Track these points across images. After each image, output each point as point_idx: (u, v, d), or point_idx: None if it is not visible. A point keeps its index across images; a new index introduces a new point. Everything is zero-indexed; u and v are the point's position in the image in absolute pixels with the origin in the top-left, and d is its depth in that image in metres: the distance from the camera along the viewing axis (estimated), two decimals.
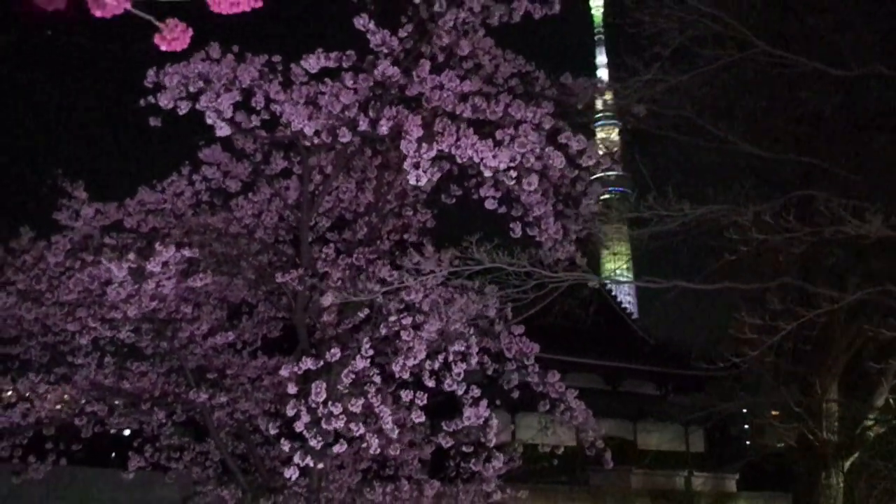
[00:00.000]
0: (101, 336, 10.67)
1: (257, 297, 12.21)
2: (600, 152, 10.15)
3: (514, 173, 8.13)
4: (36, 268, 10.34)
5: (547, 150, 8.27)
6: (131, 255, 9.12)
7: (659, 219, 9.04)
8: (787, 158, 10.64)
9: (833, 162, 10.33)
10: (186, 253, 9.46)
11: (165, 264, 9.33)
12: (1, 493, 14.71)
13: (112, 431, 12.02)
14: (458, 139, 7.94)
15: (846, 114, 11.75)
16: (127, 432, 13.00)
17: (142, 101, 8.68)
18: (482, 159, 7.83)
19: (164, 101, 8.50)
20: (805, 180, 11.09)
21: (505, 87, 9.88)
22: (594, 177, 10.38)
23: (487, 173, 8.12)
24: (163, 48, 2.87)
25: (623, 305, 37.82)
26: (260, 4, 2.72)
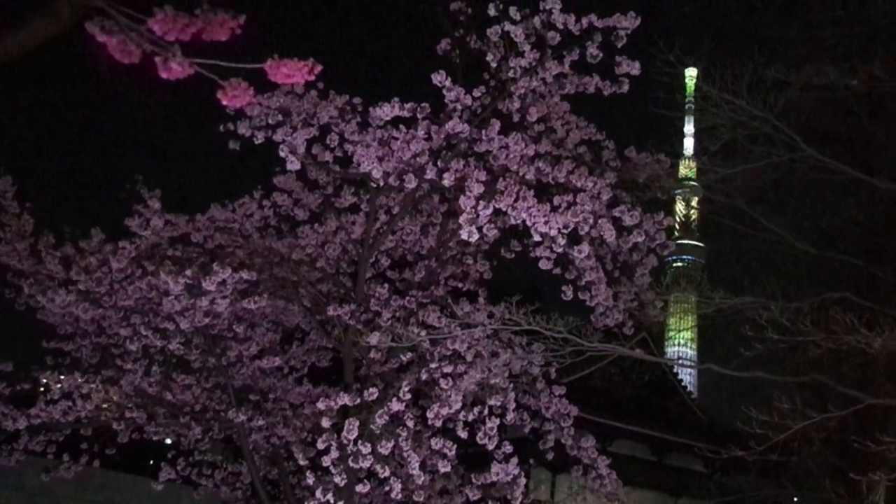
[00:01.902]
0: (151, 344, 11.00)
1: (311, 325, 12.41)
2: (664, 223, 10.16)
3: (562, 240, 8.24)
4: (99, 271, 10.66)
5: (600, 221, 8.37)
6: (189, 272, 9.44)
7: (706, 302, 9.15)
8: (832, 256, 10.62)
9: (876, 267, 10.28)
10: (244, 275, 9.75)
11: (222, 284, 9.64)
12: (30, 488, 15.05)
13: (151, 439, 12.27)
14: (516, 199, 8.08)
15: (890, 222, 11.71)
16: (168, 441, 13.26)
17: (221, 128, 9.07)
18: (534, 223, 7.97)
19: (243, 130, 8.87)
20: (850, 281, 11.06)
21: (573, 154, 10.02)
22: (666, 248, 10.43)
23: (536, 237, 8.26)
24: (224, 103, 3.08)
25: (679, 378, 37.06)
26: (313, 78, 2.91)
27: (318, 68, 3.04)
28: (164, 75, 2.65)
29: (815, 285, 11.20)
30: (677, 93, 9.67)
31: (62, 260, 10.98)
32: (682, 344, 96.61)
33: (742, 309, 9.78)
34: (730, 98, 9.61)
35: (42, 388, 11.98)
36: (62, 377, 11.62)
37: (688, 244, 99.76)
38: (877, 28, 10.83)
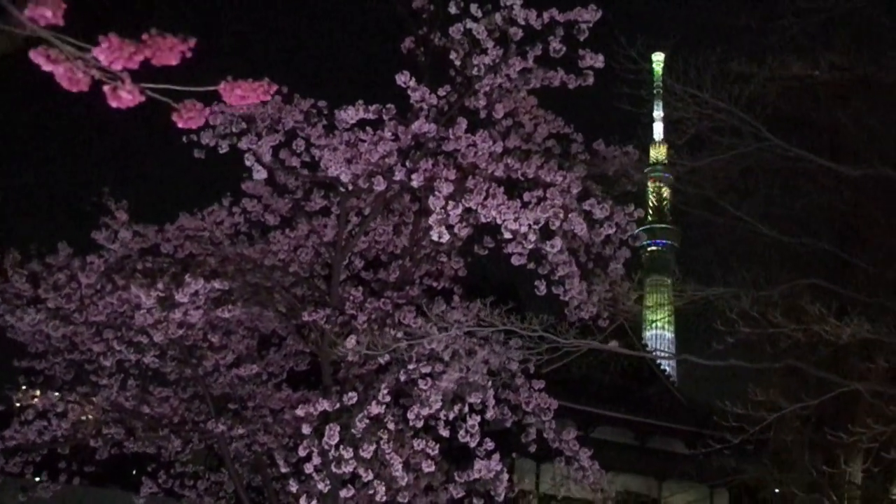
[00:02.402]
0: (125, 358, 10.87)
1: (287, 330, 12.35)
2: (635, 214, 10.19)
3: (533, 236, 8.23)
4: (68, 287, 10.52)
5: (571, 215, 8.37)
6: (160, 284, 9.33)
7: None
8: (802, 242, 10.71)
9: (847, 251, 10.39)
10: (216, 285, 9.65)
11: (195, 294, 9.54)
12: None
13: (132, 452, 12.14)
14: (486, 197, 8.06)
15: (859, 207, 11.82)
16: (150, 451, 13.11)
17: (184, 138, 8.95)
18: (504, 221, 7.95)
19: (206, 139, 8.75)
20: (822, 266, 11.16)
21: (541, 148, 10.01)
22: (641, 228, 10.53)
23: (507, 235, 8.25)
24: (179, 125, 3.02)
25: (658, 362, 37.33)
26: (268, 98, 2.85)
27: (274, 88, 2.99)
28: (113, 104, 2.58)
29: (789, 271, 11.30)
30: (642, 87, 9.68)
31: (30, 277, 10.78)
32: (659, 327, 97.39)
33: (714, 300, 9.83)
34: (694, 92, 9.64)
35: (18, 406, 11.80)
36: (37, 396, 11.46)
37: (661, 228, 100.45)
38: (835, 17, 10.91)
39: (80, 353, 11.27)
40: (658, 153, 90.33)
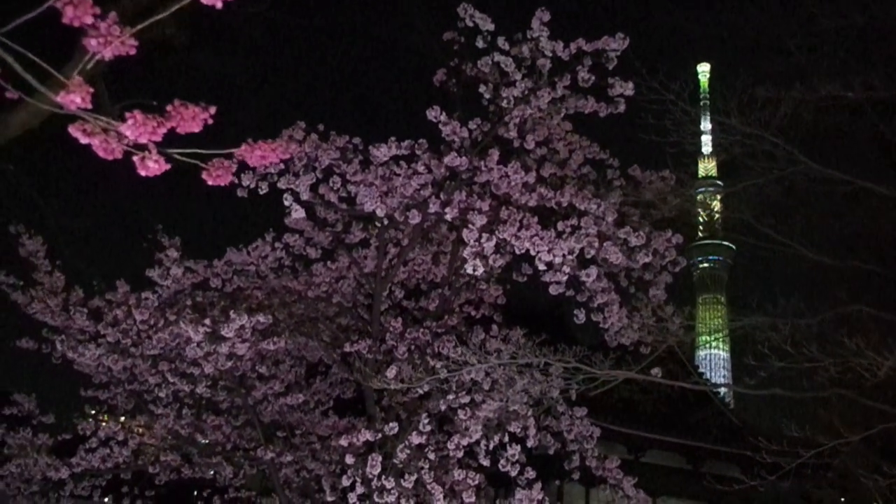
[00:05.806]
0: (179, 389, 11.30)
1: (332, 359, 12.60)
2: (673, 241, 10.16)
3: (567, 268, 8.31)
4: (125, 322, 10.99)
5: (606, 244, 8.43)
6: (207, 320, 9.66)
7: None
8: (849, 265, 10.48)
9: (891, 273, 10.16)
10: (260, 318, 9.94)
11: (241, 328, 9.84)
12: None
13: (188, 477, 12.56)
14: (520, 228, 8.18)
15: None
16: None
17: None
18: (538, 252, 8.05)
19: (247, 182, 9.05)
20: (871, 289, 10.89)
21: (577, 174, 10.09)
22: (692, 244, 10.52)
23: (542, 266, 8.33)
24: (209, 183, 3.26)
25: (713, 385, 36.71)
26: (288, 156, 3.08)
27: (293, 147, 3.21)
28: (142, 173, 2.82)
29: (836, 296, 11.00)
30: (665, 117, 9.55)
31: (91, 313, 11.29)
32: (713, 346, 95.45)
33: (752, 331, 9.67)
34: (721, 119, 9.56)
35: (83, 435, 12.35)
36: (104, 422, 12.02)
37: (713, 244, 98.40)
38: (873, 34, 10.64)
39: (139, 384, 11.76)
40: (707, 167, 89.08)
